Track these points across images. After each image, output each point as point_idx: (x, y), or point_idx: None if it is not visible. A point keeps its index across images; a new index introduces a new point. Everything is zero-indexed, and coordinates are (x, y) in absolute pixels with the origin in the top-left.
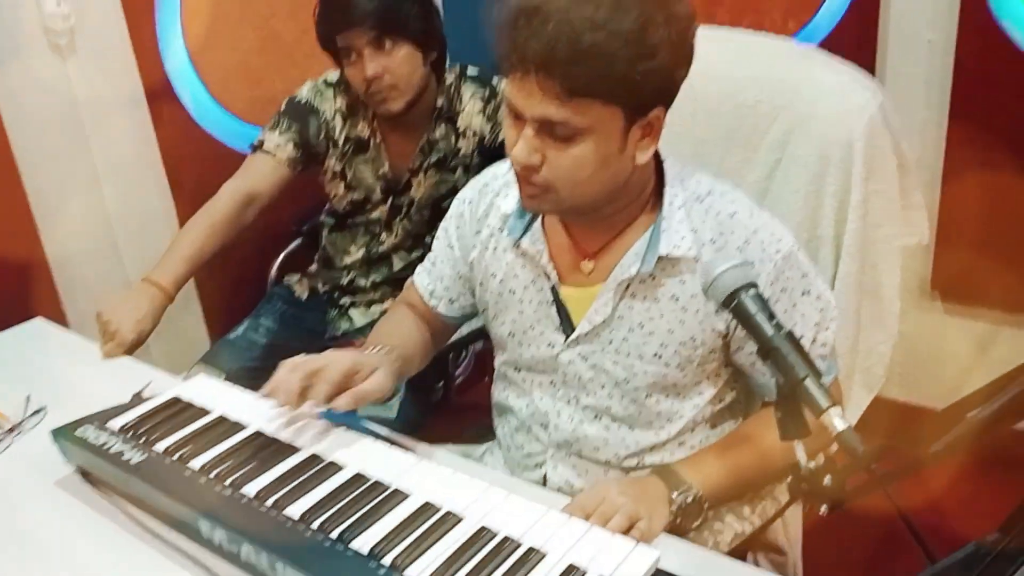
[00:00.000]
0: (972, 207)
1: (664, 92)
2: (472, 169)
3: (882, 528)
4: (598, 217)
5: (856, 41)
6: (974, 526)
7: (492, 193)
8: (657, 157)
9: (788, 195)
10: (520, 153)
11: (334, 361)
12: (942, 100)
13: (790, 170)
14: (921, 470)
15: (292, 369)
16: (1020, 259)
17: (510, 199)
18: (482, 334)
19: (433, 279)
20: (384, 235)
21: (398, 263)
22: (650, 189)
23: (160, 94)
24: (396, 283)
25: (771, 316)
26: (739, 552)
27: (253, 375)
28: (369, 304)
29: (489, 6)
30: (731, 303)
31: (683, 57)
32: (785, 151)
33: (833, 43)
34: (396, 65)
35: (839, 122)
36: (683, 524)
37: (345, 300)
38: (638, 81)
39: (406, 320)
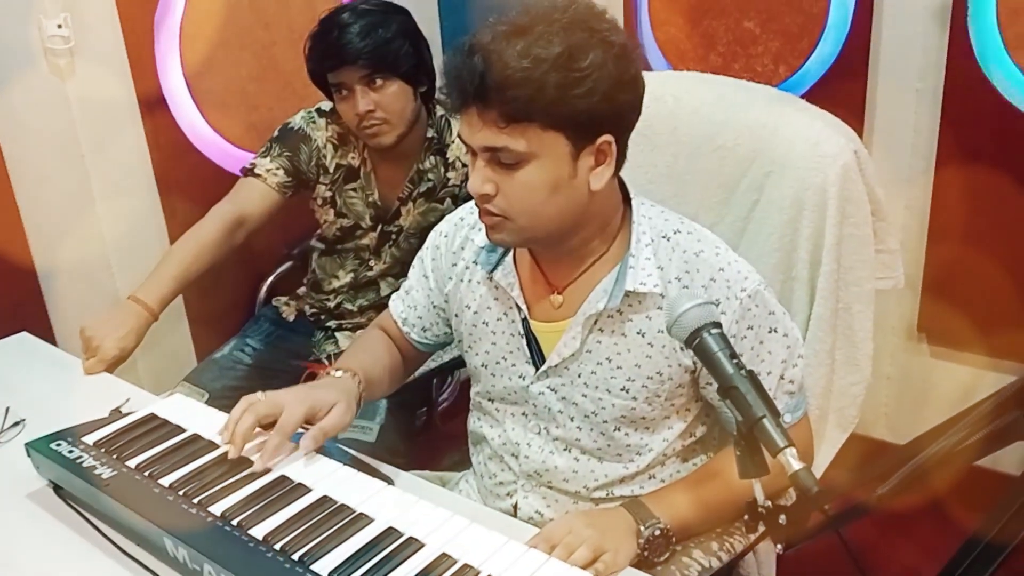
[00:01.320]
0: (959, 251)
1: (609, 119)
2: (460, 200)
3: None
4: (564, 250)
5: (846, 88)
6: (928, 563)
7: (467, 227)
8: (625, 194)
9: (764, 236)
10: (474, 183)
11: (290, 410)
12: (929, 147)
13: (767, 212)
14: (873, 510)
15: (247, 410)
16: (1005, 304)
17: (484, 233)
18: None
19: (407, 307)
20: (372, 261)
21: (385, 289)
22: (616, 223)
23: (156, 116)
24: (382, 308)
25: (732, 355)
26: None
27: (237, 394)
28: (355, 328)
29: None
30: (693, 342)
31: (622, 84)
32: (762, 193)
33: (823, 89)
34: (387, 101)
35: (814, 167)
36: (650, 558)
37: (332, 323)
38: (574, 105)
39: (378, 344)
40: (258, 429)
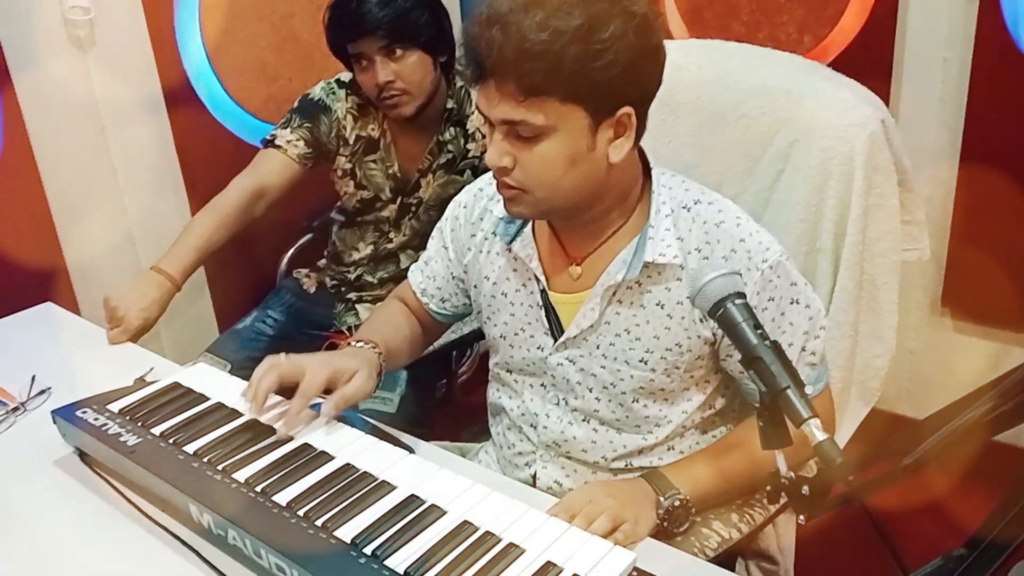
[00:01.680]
0: (985, 224)
1: (629, 90)
2: (480, 171)
3: (873, 538)
4: (583, 221)
5: (872, 57)
6: (954, 536)
7: (486, 198)
8: (645, 164)
9: (789, 207)
10: (492, 156)
11: (312, 373)
12: (957, 117)
13: (792, 182)
14: (898, 481)
15: (269, 369)
16: None
17: (502, 205)
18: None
19: (425, 278)
20: (392, 233)
21: (405, 261)
22: (636, 194)
23: (177, 89)
24: (402, 280)
25: (757, 326)
26: (727, 559)
27: (258, 365)
28: (375, 300)
29: None
30: (717, 312)
31: (644, 54)
32: (787, 163)
33: (848, 59)
34: (407, 71)
35: (840, 136)
36: (669, 528)
37: (352, 295)
38: (593, 78)
39: (397, 314)
40: (279, 397)
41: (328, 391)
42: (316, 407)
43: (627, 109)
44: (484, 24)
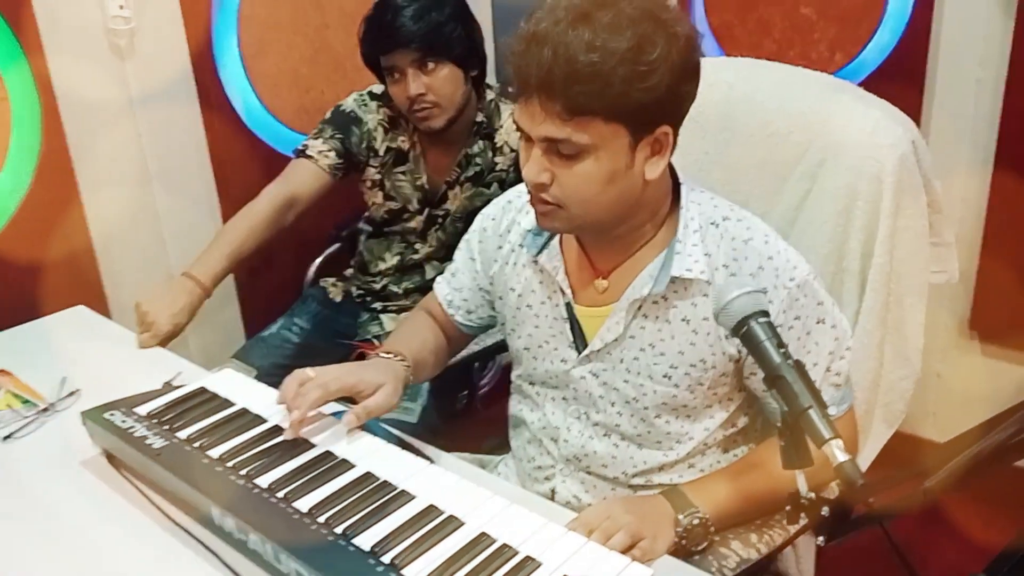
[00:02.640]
0: (1016, 246)
1: (669, 110)
2: (507, 184)
3: (893, 562)
4: (613, 236)
5: (904, 76)
6: (974, 561)
7: (515, 210)
8: (674, 179)
9: (816, 226)
10: (530, 172)
11: (336, 373)
12: (989, 139)
13: (819, 201)
14: (919, 504)
15: (300, 383)
16: None
17: (531, 216)
18: (506, 346)
19: (452, 289)
20: (419, 244)
21: (430, 272)
22: (665, 210)
23: (212, 96)
24: (427, 291)
25: (780, 345)
26: None
27: (284, 372)
28: (400, 310)
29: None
30: (741, 330)
31: (686, 75)
32: (815, 182)
33: (880, 78)
34: (439, 84)
35: (869, 157)
36: (688, 546)
37: (377, 305)
38: (638, 99)
39: (424, 326)
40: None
41: (352, 401)
42: (338, 415)
43: (665, 128)
44: (531, 41)
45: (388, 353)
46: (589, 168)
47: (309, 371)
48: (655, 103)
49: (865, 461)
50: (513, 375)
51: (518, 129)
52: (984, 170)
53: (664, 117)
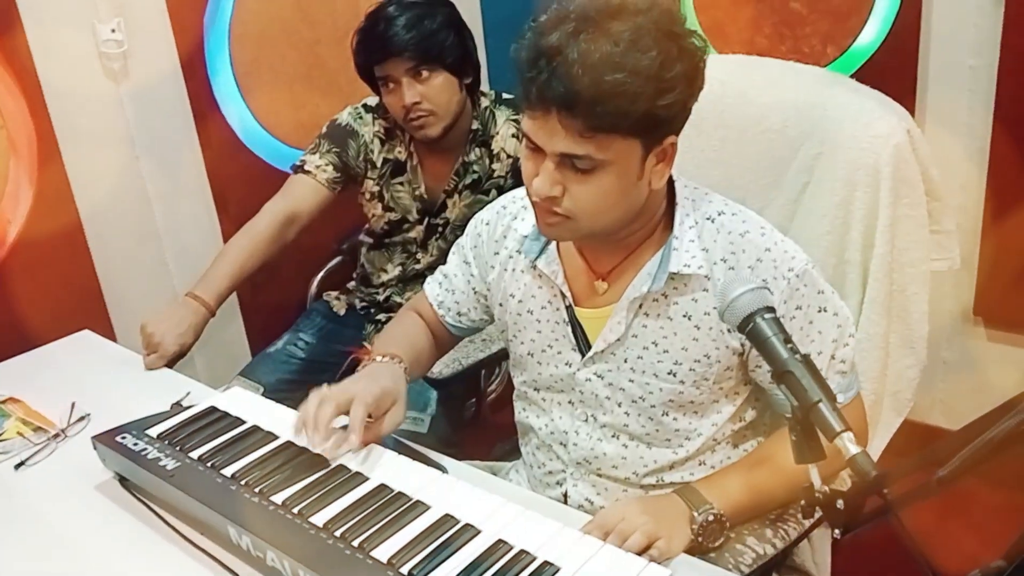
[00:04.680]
0: (1016, 231)
1: (678, 121)
2: (505, 190)
3: (909, 552)
4: (612, 240)
5: (897, 66)
6: (992, 548)
7: (510, 216)
8: (669, 178)
9: (815, 219)
10: (542, 186)
11: (360, 398)
12: (984, 125)
13: (817, 194)
14: (933, 494)
15: (322, 403)
16: None
17: (527, 222)
18: None
19: (444, 291)
20: (420, 254)
21: None
22: (662, 210)
23: (207, 116)
24: None
25: (787, 340)
26: (762, 575)
27: (291, 388)
28: None
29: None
30: (747, 327)
31: (697, 88)
32: (812, 175)
33: (873, 69)
34: (433, 93)
35: (866, 148)
36: (704, 544)
37: (381, 316)
38: (657, 115)
39: (414, 326)
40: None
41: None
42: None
43: (672, 138)
44: (547, 55)
45: (383, 356)
46: (603, 182)
47: (326, 388)
48: (670, 117)
49: (875, 451)
50: (517, 382)
51: (527, 140)
52: (981, 156)
53: (673, 128)
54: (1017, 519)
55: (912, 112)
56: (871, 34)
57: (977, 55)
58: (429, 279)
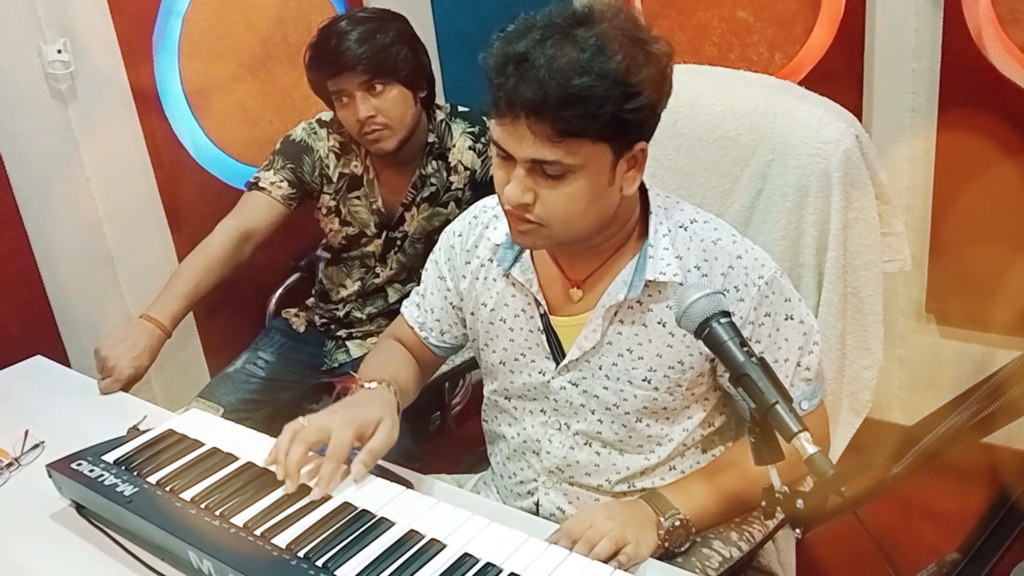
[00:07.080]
0: (963, 230)
1: (647, 126)
2: (463, 203)
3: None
4: (586, 247)
5: (843, 71)
6: (949, 540)
7: (481, 225)
8: (642, 187)
9: (770, 225)
10: (513, 193)
11: (339, 434)
12: (929, 126)
13: (771, 200)
14: (889, 490)
15: (295, 439)
16: (1013, 280)
17: (499, 231)
18: (476, 363)
19: (423, 311)
20: (379, 268)
21: (393, 295)
22: (636, 218)
23: (158, 135)
24: (391, 315)
25: (743, 344)
26: None
27: (251, 407)
28: (365, 336)
29: (480, 50)
30: (703, 332)
31: (664, 92)
32: (765, 182)
33: (820, 74)
34: (388, 106)
35: (816, 154)
36: (671, 549)
37: (342, 332)
38: (625, 119)
39: (397, 354)
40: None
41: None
42: (323, 450)
43: (642, 144)
44: (514, 62)
45: (372, 382)
46: (574, 188)
47: (303, 421)
48: (638, 122)
49: (836, 451)
50: (487, 391)
51: (498, 148)
52: (927, 158)
53: (642, 134)
54: (973, 511)
55: (859, 116)
56: (818, 40)
57: (919, 58)
58: (406, 302)
